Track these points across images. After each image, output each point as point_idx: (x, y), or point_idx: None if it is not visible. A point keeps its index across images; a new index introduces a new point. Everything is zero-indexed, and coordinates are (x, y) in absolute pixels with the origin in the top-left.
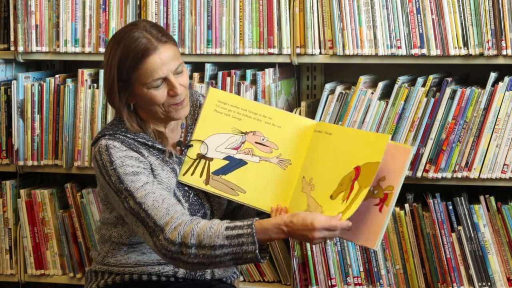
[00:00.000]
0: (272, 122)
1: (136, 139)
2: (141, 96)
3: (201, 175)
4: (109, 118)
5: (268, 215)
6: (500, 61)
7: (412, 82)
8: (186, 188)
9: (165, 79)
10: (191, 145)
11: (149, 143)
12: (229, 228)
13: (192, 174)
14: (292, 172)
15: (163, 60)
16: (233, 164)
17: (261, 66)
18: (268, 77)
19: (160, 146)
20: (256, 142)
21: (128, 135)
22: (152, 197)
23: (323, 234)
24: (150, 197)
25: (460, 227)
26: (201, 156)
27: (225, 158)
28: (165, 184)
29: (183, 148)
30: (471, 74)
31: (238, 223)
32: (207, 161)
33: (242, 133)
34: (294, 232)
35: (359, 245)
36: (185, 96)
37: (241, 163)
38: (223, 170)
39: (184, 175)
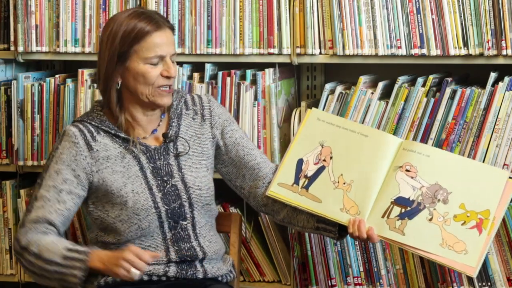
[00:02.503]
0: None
1: (100, 127)
2: (135, 72)
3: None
4: None
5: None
6: (500, 61)
7: (412, 82)
8: (165, 178)
9: (162, 59)
10: (175, 139)
11: (112, 131)
12: (70, 250)
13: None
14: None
15: (166, 41)
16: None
17: (261, 66)
18: (268, 77)
19: (123, 135)
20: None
21: (93, 123)
22: (44, 202)
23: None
24: (43, 200)
25: None
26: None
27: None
28: (121, 174)
29: (167, 141)
30: (471, 74)
31: (79, 248)
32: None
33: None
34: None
35: (456, 270)
36: (173, 85)
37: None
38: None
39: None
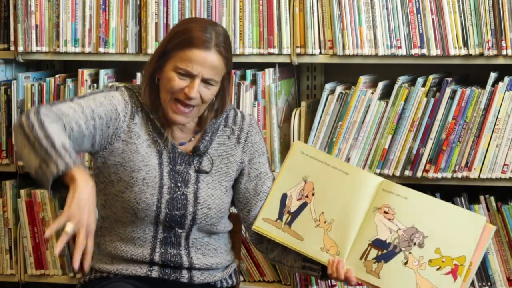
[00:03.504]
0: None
1: (143, 105)
2: (165, 75)
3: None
4: None
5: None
6: (500, 61)
7: (412, 82)
8: (179, 184)
9: (191, 77)
10: (202, 154)
11: (151, 116)
12: (64, 147)
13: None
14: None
15: (204, 62)
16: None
17: (261, 66)
18: (268, 77)
19: (158, 124)
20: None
21: (140, 98)
22: (77, 108)
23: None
24: (79, 106)
25: None
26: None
27: (296, 210)
28: (141, 157)
29: (195, 155)
30: (471, 74)
31: (74, 155)
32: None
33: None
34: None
35: None
36: (195, 110)
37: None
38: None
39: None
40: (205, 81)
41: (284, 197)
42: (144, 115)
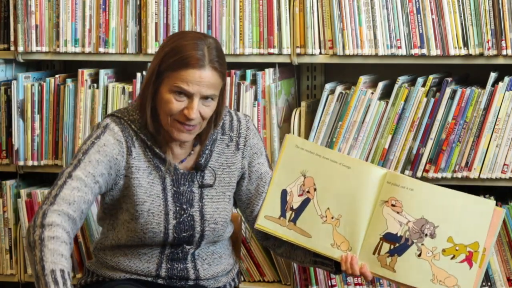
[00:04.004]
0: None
1: (138, 133)
2: (161, 97)
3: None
4: None
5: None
6: (500, 61)
7: (412, 82)
8: (184, 207)
9: (189, 96)
10: (203, 169)
11: (149, 143)
12: (62, 274)
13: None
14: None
15: (200, 81)
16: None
17: (261, 66)
18: (268, 77)
19: (157, 150)
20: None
21: (133, 126)
22: (80, 185)
23: None
24: (79, 183)
25: None
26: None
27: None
28: (144, 189)
29: (196, 172)
30: (471, 74)
31: (69, 283)
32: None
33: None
34: None
35: None
36: (198, 127)
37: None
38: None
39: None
40: (204, 98)
41: (284, 193)
42: (140, 143)
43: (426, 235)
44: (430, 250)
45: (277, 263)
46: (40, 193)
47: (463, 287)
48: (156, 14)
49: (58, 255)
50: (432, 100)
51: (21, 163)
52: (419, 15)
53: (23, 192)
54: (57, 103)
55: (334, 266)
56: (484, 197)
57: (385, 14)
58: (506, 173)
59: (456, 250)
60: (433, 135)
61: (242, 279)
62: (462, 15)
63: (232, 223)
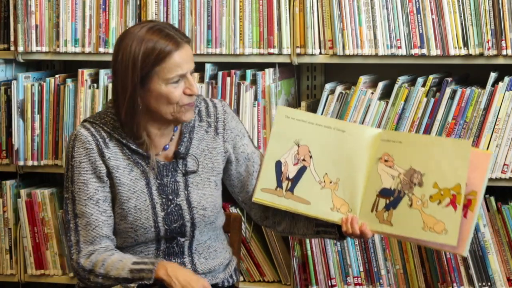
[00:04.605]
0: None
1: (111, 134)
2: (157, 94)
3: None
4: None
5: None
6: (500, 61)
7: (412, 82)
8: (170, 197)
9: (183, 77)
10: (185, 156)
11: (124, 141)
12: (136, 263)
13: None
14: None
15: (186, 58)
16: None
17: (261, 66)
18: (268, 77)
19: (134, 147)
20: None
21: (105, 128)
22: (88, 218)
23: None
24: (86, 216)
25: None
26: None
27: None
28: (127, 187)
29: (178, 159)
30: (471, 74)
31: (146, 260)
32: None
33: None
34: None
35: (447, 252)
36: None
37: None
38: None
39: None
40: (191, 73)
41: (278, 164)
42: (116, 143)
43: (415, 184)
44: (419, 198)
45: (277, 263)
46: (40, 193)
47: (450, 230)
48: (156, 14)
49: (117, 263)
50: (432, 100)
51: (21, 163)
52: (419, 15)
53: (23, 192)
54: (57, 103)
55: (337, 233)
56: (484, 197)
57: (385, 14)
58: (506, 173)
59: (441, 194)
60: (433, 135)
61: (242, 279)
62: (462, 15)
63: (223, 213)
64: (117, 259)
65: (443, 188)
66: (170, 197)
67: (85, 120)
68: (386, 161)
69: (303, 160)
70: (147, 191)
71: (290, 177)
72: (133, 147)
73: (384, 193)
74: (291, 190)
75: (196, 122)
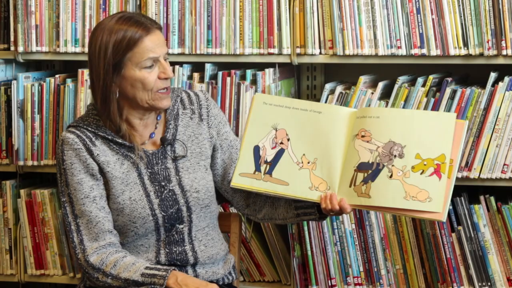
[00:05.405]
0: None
1: (96, 133)
2: (132, 79)
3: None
4: None
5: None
6: (500, 61)
7: (412, 82)
8: (163, 183)
9: (156, 62)
10: (172, 142)
11: (109, 137)
12: (149, 268)
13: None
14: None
15: (157, 42)
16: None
17: (261, 66)
18: (268, 77)
19: (120, 141)
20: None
21: (89, 128)
22: (88, 216)
23: None
24: (86, 215)
25: (460, 227)
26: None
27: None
28: (120, 180)
29: (165, 145)
30: (471, 74)
31: (159, 266)
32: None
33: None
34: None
35: (426, 219)
36: (169, 87)
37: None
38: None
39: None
40: (164, 58)
41: (256, 149)
42: (102, 140)
43: (395, 156)
44: (400, 169)
45: (277, 263)
46: (40, 193)
47: (434, 198)
48: (156, 14)
49: (130, 266)
50: (432, 100)
51: (21, 163)
52: (419, 15)
53: (23, 192)
54: (57, 103)
55: (317, 213)
56: (484, 197)
57: (385, 14)
58: (506, 173)
59: (425, 165)
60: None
61: (242, 279)
62: (462, 15)
63: (218, 208)
64: (130, 262)
65: (427, 159)
66: (163, 183)
67: (69, 126)
68: (363, 136)
69: (281, 143)
70: (139, 181)
71: (268, 160)
72: (119, 141)
73: (362, 167)
74: (269, 172)
75: (180, 110)
